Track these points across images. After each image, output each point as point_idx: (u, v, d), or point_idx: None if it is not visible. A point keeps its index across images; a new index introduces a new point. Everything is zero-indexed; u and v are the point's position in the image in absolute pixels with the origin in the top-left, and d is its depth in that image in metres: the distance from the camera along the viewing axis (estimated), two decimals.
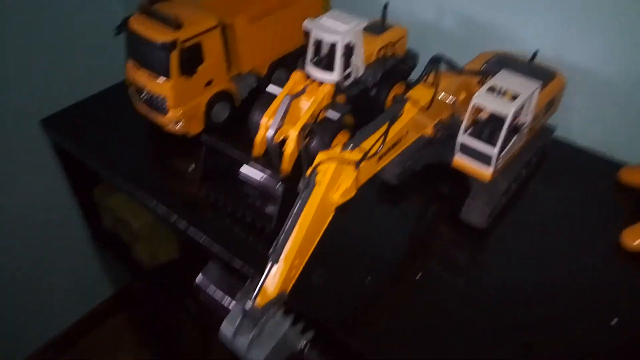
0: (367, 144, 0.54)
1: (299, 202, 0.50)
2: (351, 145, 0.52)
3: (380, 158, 0.56)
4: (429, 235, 0.72)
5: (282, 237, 0.49)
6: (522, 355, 0.56)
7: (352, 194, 0.52)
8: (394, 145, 0.58)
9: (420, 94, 0.60)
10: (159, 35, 0.77)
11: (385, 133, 0.53)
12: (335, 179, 0.50)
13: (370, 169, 0.55)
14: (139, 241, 1.01)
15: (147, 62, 0.82)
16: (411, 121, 0.59)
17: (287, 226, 0.50)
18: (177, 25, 0.77)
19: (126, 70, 0.88)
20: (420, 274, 0.63)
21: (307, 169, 0.50)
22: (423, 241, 0.70)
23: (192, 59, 0.80)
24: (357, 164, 0.50)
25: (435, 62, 0.64)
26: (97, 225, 1.11)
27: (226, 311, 0.74)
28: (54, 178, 1.09)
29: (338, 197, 0.51)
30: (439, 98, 0.64)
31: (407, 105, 0.57)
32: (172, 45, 0.76)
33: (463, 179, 0.73)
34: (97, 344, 1.52)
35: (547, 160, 0.82)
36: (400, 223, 0.74)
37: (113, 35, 0.84)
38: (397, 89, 0.90)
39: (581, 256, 0.67)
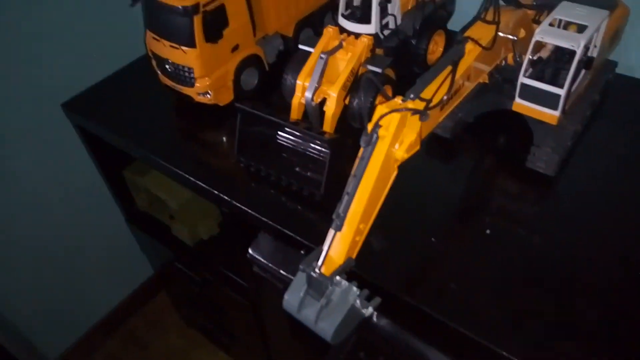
0: (428, 92, 0.48)
1: (361, 160, 0.45)
2: (412, 94, 0.47)
3: (442, 107, 0.51)
4: (493, 190, 0.66)
5: (344, 200, 0.45)
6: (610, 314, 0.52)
7: (417, 148, 0.48)
8: (455, 92, 0.52)
9: (481, 32, 0.54)
10: None
11: (453, 73, 0.47)
12: (398, 132, 0.45)
13: (433, 119, 0.50)
14: (178, 221, 0.98)
15: (168, 31, 0.76)
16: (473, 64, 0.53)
17: (350, 188, 0.45)
18: None
19: (146, 43, 0.83)
20: (488, 231, 0.58)
21: (366, 124, 0.45)
22: (487, 196, 0.65)
23: (216, 23, 0.75)
24: (423, 113, 0.45)
25: None
26: (130, 208, 1.09)
27: (282, 282, 0.72)
28: (82, 163, 1.06)
29: (402, 152, 0.46)
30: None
31: (469, 45, 0.51)
32: (195, 9, 0.71)
33: (522, 127, 0.67)
34: (142, 323, 1.54)
35: (610, 98, 0.75)
36: (459, 179, 0.69)
37: (129, 5, 0.79)
38: (437, 38, 0.84)
39: None
